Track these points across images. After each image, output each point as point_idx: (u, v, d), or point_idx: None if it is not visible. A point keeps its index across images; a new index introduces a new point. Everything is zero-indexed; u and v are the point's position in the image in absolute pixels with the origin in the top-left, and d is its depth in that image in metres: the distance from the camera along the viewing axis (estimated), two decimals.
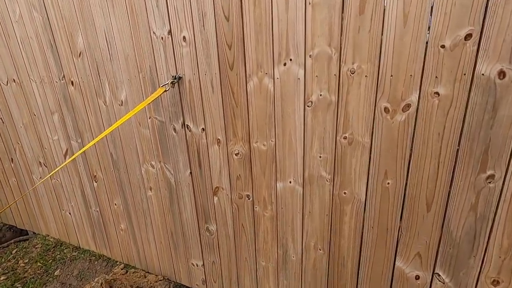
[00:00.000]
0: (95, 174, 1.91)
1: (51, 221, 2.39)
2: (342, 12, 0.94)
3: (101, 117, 1.68)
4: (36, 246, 2.41)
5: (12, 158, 2.30)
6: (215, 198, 1.48)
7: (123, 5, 1.33)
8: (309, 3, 0.97)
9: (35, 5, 1.61)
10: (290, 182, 1.24)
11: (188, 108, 1.37)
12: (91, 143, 1.24)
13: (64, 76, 1.70)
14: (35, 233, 2.57)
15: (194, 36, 1.22)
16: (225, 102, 1.26)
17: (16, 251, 2.37)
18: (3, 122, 2.18)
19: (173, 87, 1.29)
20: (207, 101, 1.30)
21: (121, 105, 1.57)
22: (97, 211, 2.04)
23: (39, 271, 2.15)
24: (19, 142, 2.18)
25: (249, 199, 1.38)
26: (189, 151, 1.46)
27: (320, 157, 1.13)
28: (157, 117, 1.49)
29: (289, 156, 1.20)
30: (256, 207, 1.37)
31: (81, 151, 1.26)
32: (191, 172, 1.50)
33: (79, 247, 2.33)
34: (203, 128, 1.37)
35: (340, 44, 0.97)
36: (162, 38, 1.30)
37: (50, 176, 1.83)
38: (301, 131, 1.14)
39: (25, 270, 2.17)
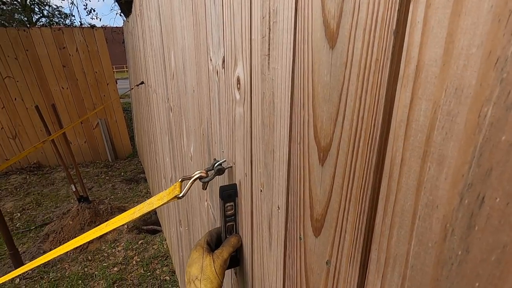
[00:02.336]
0: (180, 218, 1.53)
1: (167, 230, 2.34)
2: None
3: (180, 164, 1.22)
4: (153, 247, 2.46)
5: (156, 159, 2.38)
6: None
7: (190, 5, 0.72)
8: None
9: (156, 11, 1.31)
10: None
11: (242, 227, 0.61)
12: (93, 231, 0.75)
13: (168, 99, 1.35)
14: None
15: (251, 81, 0.43)
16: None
17: (141, 243, 2.51)
18: (152, 126, 2.23)
19: (205, 188, 0.56)
20: (260, 256, 0.49)
21: (191, 160, 1.02)
22: (182, 256, 1.69)
23: (137, 281, 2.12)
24: (158, 149, 2.17)
25: None
26: None
27: None
28: (210, 205, 0.82)
29: None
30: None
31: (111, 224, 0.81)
32: None
33: (175, 272, 2.15)
34: None
35: None
36: (217, 71, 0.59)
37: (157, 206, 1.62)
38: None
39: (132, 270, 2.21)
